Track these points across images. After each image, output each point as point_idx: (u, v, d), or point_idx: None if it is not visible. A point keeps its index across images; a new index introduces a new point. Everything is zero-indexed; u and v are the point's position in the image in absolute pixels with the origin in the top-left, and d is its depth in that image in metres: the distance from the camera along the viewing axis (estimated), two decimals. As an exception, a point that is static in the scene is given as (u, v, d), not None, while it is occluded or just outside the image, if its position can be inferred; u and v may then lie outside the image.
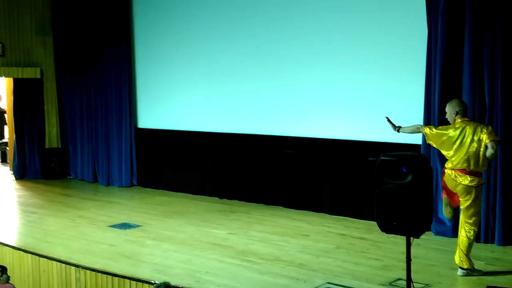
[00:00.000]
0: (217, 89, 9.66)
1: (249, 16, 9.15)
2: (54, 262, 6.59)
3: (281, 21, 8.77)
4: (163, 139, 10.54)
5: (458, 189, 5.65)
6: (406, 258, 4.71)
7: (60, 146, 12.12)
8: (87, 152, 11.50)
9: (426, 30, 7.14)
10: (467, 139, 5.57)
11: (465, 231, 5.69)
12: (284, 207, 8.81)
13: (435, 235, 7.07)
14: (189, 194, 9.95)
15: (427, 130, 5.90)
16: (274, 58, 8.87)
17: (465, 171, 5.59)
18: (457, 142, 5.60)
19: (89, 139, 11.47)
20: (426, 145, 7.14)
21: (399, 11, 7.64)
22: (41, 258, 6.74)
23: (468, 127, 5.61)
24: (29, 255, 6.89)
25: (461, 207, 5.71)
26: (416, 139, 7.29)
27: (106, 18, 10.96)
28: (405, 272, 4.78)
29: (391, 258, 6.30)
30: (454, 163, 5.63)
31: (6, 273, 5.91)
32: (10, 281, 6.03)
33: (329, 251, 6.66)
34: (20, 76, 11.69)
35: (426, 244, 6.59)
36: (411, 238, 4.70)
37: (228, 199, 9.47)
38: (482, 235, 6.76)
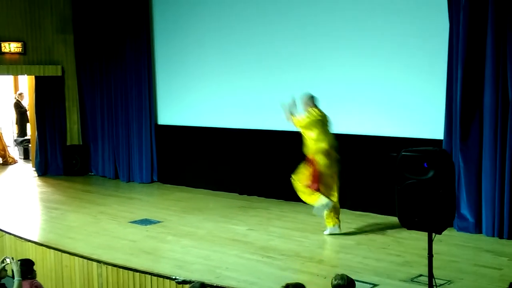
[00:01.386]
0: (236, 85, 9.66)
1: (266, 13, 9.13)
2: (76, 258, 6.66)
3: (300, 17, 8.73)
4: (183, 136, 10.58)
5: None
6: (428, 254, 4.66)
7: (81, 143, 12.22)
8: (108, 149, 11.60)
9: (448, 24, 7.05)
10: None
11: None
12: (304, 203, 8.76)
13: (457, 231, 6.99)
14: (209, 190, 9.97)
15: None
16: (294, 54, 8.84)
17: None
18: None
19: (110, 136, 11.55)
20: (448, 140, 7.09)
21: (419, 6, 7.55)
22: (63, 254, 6.82)
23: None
24: (52, 250, 6.97)
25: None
26: (438, 134, 7.23)
27: (126, 16, 11.02)
28: (426, 268, 4.73)
29: (412, 254, 6.25)
30: (330, 143, 6.69)
31: (26, 267, 5.29)
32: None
33: (350, 247, 6.63)
34: (41, 74, 11.81)
35: (448, 240, 6.52)
36: (433, 234, 4.66)
37: (248, 195, 9.48)
38: (505, 231, 6.67)
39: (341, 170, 8.38)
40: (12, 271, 4.81)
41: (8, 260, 4.92)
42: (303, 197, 7.11)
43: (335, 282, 4.14)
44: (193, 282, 5.45)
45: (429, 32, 7.44)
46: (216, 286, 5.51)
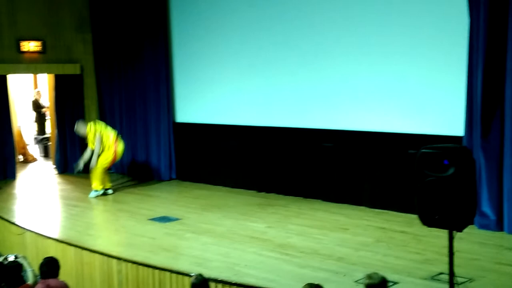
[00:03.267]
0: (254, 82, 9.65)
1: (286, 9, 9.10)
2: (96, 255, 6.71)
3: (318, 13, 8.69)
4: (201, 133, 10.61)
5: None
6: (449, 252, 4.62)
7: (100, 141, 12.30)
8: (127, 146, 11.63)
9: (468, 17, 6.95)
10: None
11: None
12: (322, 200, 8.76)
13: (478, 228, 6.90)
14: (227, 188, 9.99)
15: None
16: (312, 51, 8.80)
17: None
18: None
19: (128, 133, 11.61)
20: (468, 136, 7.01)
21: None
22: (83, 251, 6.88)
23: None
24: (72, 247, 7.03)
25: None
26: (458, 131, 7.16)
27: (144, 14, 11.07)
28: (447, 266, 4.69)
29: (432, 252, 6.19)
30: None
31: (48, 267, 5.13)
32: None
33: (369, 245, 6.60)
34: (60, 72, 11.93)
35: (469, 238, 6.45)
36: (454, 231, 4.61)
37: (267, 192, 9.48)
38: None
39: (359, 167, 8.39)
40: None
41: (11, 258, 5.08)
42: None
43: (367, 281, 4.10)
44: (212, 279, 5.47)
45: (449, 25, 7.35)
46: (235, 283, 5.52)
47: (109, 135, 9.72)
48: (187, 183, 10.67)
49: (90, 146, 9.61)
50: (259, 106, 9.59)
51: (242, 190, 9.76)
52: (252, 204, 8.84)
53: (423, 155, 4.58)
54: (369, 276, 4.14)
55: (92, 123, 9.85)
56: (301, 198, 8.97)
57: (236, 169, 10.02)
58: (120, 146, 9.81)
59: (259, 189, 9.59)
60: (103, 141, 9.58)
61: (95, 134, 9.58)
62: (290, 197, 9.09)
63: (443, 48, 7.42)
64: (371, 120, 8.17)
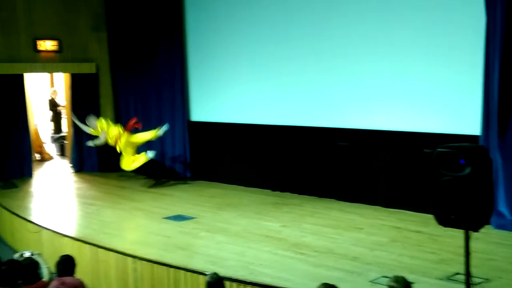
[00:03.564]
0: (269, 81, 9.64)
1: (302, 7, 9.08)
2: (112, 253, 6.75)
3: (334, 12, 8.66)
4: (216, 132, 10.62)
5: None
6: (465, 252, 4.58)
7: (115, 140, 12.38)
8: (142, 145, 11.69)
9: (484, 14, 6.88)
10: None
11: None
12: (337, 199, 8.74)
13: (494, 228, 6.85)
14: (242, 187, 10.00)
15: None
16: (328, 50, 8.77)
17: None
18: None
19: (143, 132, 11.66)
20: (485, 136, 6.94)
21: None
22: (99, 249, 6.92)
23: None
24: (88, 245, 7.08)
25: None
26: (474, 130, 7.09)
27: (159, 13, 11.11)
28: (463, 267, 4.65)
29: (448, 252, 6.15)
30: None
31: (63, 266, 5.05)
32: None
33: (384, 245, 6.57)
34: (76, 72, 12.02)
35: (486, 238, 6.38)
36: (470, 231, 4.57)
37: (281, 191, 9.47)
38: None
39: (374, 166, 8.35)
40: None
41: (27, 254, 5.13)
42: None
43: (391, 284, 4.01)
44: (227, 278, 5.48)
45: (465, 23, 7.28)
46: (250, 282, 5.52)
47: (113, 129, 10.38)
48: (202, 182, 10.69)
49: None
50: (274, 105, 9.58)
51: (256, 189, 9.77)
52: (266, 203, 8.84)
53: (439, 154, 4.55)
54: (396, 280, 4.02)
55: (101, 118, 10.68)
56: (316, 197, 8.96)
57: (251, 168, 10.02)
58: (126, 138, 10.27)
59: (274, 188, 9.59)
60: (109, 135, 10.34)
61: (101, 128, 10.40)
62: (305, 196, 9.08)
63: (460, 47, 7.36)
64: (387, 119, 8.13)
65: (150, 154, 10.18)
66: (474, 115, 7.13)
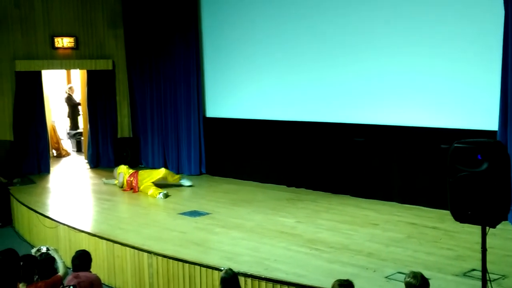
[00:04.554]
0: (284, 77, 9.63)
1: (315, 5, 9.04)
2: (128, 248, 6.79)
3: (351, 7, 8.62)
4: (231, 128, 10.63)
5: None
6: (482, 248, 4.54)
7: (131, 136, 12.46)
8: (157, 141, 11.77)
9: (503, 10, 6.80)
10: None
11: None
12: (352, 195, 8.70)
13: (512, 224, 6.79)
14: (257, 182, 10.00)
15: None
16: (344, 45, 8.74)
17: None
18: None
19: (159, 129, 11.72)
20: (503, 131, 6.86)
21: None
22: (115, 244, 6.97)
23: None
24: (104, 241, 7.13)
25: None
26: (492, 125, 7.02)
27: (175, 10, 11.13)
28: (479, 263, 4.61)
29: (465, 248, 6.10)
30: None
31: (80, 260, 5.16)
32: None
33: (399, 241, 6.53)
34: (93, 68, 12.09)
35: (503, 234, 6.34)
36: (487, 227, 4.53)
37: (296, 187, 9.46)
38: None
39: (390, 162, 8.30)
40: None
41: (44, 249, 5.17)
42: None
43: (407, 280, 3.99)
44: (242, 273, 5.49)
45: (483, 18, 7.21)
46: (264, 278, 5.52)
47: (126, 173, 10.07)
48: (217, 178, 10.71)
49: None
50: (290, 100, 9.56)
51: (271, 184, 9.76)
52: (281, 199, 8.83)
53: (456, 149, 4.51)
54: (414, 275, 3.99)
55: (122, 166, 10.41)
56: (331, 193, 8.93)
57: (266, 163, 10.02)
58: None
59: (289, 184, 9.58)
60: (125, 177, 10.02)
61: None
62: (320, 192, 9.06)
63: (478, 42, 7.28)
64: (403, 115, 8.08)
65: (161, 196, 9.33)
66: (492, 111, 7.05)
